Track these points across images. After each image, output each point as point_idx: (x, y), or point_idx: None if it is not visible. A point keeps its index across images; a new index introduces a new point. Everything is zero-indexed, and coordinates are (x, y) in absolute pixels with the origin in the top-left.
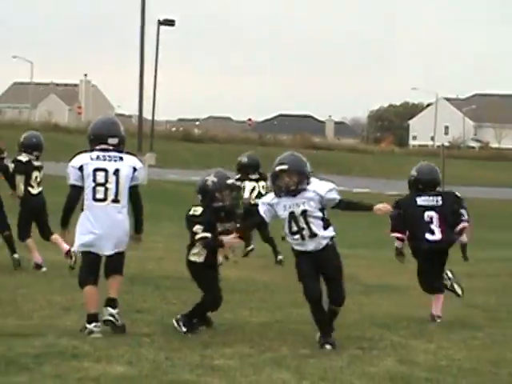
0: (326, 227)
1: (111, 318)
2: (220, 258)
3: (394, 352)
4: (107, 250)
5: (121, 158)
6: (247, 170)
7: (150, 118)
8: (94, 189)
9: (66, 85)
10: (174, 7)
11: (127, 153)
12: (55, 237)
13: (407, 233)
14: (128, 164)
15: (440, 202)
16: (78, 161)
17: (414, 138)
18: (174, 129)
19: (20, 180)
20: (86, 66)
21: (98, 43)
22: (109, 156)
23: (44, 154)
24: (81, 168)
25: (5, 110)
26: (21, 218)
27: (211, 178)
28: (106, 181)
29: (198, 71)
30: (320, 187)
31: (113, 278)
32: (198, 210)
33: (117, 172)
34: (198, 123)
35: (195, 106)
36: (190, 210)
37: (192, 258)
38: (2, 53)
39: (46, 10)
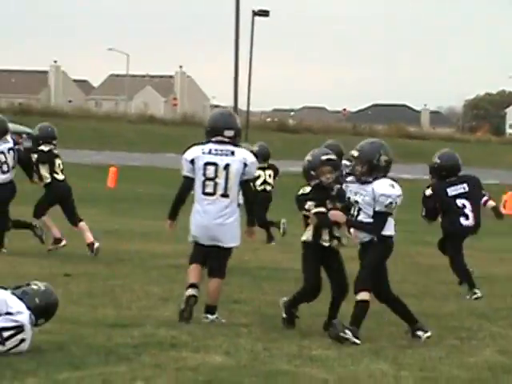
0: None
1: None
2: (326, 237)
3: (493, 342)
4: (208, 241)
5: (232, 153)
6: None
7: (244, 108)
8: (203, 183)
9: (161, 76)
10: None
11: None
12: (83, 224)
13: (440, 219)
14: (239, 159)
15: (467, 188)
16: (190, 154)
17: (511, 126)
18: (268, 119)
19: (45, 169)
20: (181, 57)
21: (192, 35)
22: (221, 150)
23: (141, 146)
24: (192, 161)
25: (101, 102)
26: (44, 200)
27: (307, 158)
28: (216, 175)
29: (292, 61)
30: (379, 188)
31: (212, 282)
32: (307, 189)
33: (227, 167)
34: (292, 114)
35: (290, 96)
36: (299, 191)
37: (303, 238)
38: (99, 45)
39: (141, 2)
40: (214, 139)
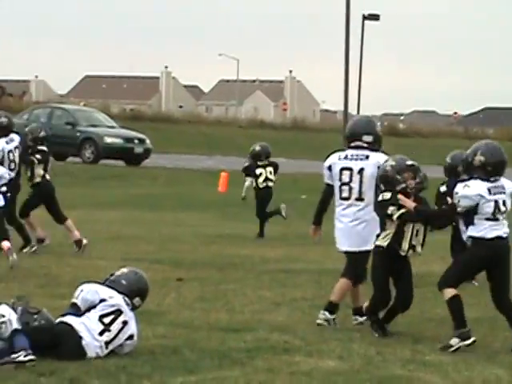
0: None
1: (323, 323)
2: (405, 245)
3: None
4: (343, 246)
5: (367, 157)
6: (259, 158)
7: (354, 113)
8: (340, 188)
9: (271, 81)
10: (378, 2)
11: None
12: (69, 222)
13: None
14: (373, 163)
15: None
16: (328, 161)
17: None
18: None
19: (40, 168)
20: (290, 62)
21: (302, 39)
22: (356, 155)
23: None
24: (330, 168)
25: (211, 108)
26: (32, 199)
27: (389, 163)
28: (351, 180)
29: (401, 65)
30: (457, 186)
31: (340, 281)
32: (388, 195)
33: (361, 171)
34: (402, 118)
35: (399, 100)
36: (378, 197)
37: (377, 243)
38: (209, 51)
39: (251, 6)
40: (352, 144)
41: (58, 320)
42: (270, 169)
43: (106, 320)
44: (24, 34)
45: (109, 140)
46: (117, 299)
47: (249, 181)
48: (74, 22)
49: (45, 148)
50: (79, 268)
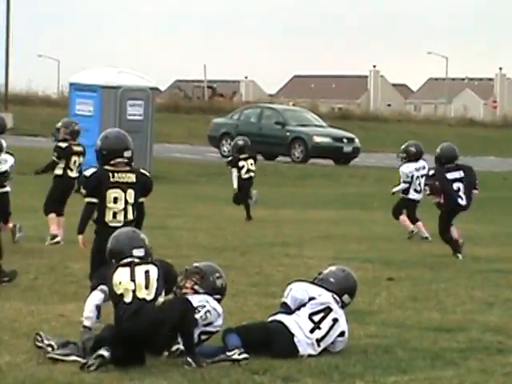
0: None
1: None
2: None
3: None
4: None
5: None
6: (242, 151)
7: None
8: None
9: (480, 79)
10: None
11: None
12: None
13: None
14: None
15: (462, 174)
16: None
17: None
18: None
19: (62, 162)
20: (500, 59)
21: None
22: None
23: (461, 149)
24: None
25: (420, 106)
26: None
27: None
28: None
29: None
30: None
31: None
32: None
33: None
34: None
35: None
36: None
37: None
38: (418, 49)
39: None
40: None
41: (270, 318)
42: (250, 161)
43: (316, 318)
44: (233, 35)
45: (318, 139)
46: (326, 297)
47: (235, 171)
48: (279, 23)
49: (62, 144)
50: (290, 267)
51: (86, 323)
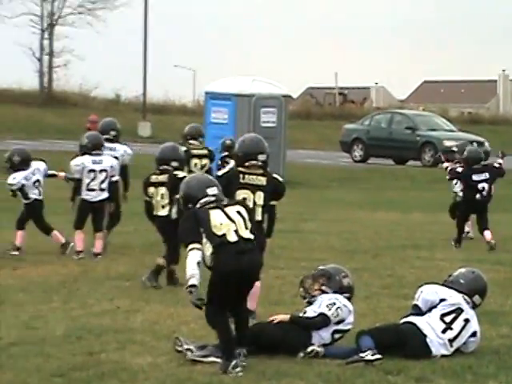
0: None
1: None
2: None
3: None
4: None
5: None
6: (231, 149)
7: None
8: None
9: None
10: None
11: None
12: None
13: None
14: None
15: (488, 176)
16: None
17: None
18: None
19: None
20: None
21: None
22: None
23: None
24: None
25: None
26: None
27: None
28: None
29: None
30: None
31: None
32: None
33: None
34: None
35: None
36: None
37: None
38: None
39: None
40: None
41: (402, 320)
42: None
43: (447, 319)
44: (363, 44)
45: (448, 143)
46: (456, 298)
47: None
48: (408, 32)
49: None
50: (422, 269)
51: (192, 282)
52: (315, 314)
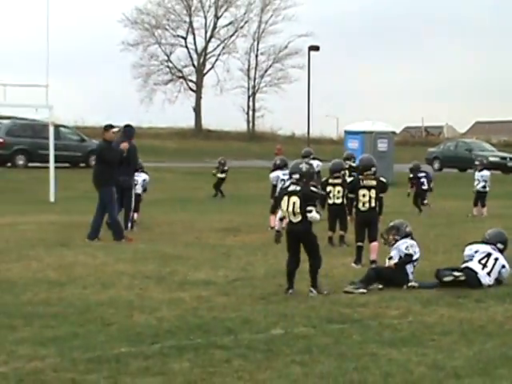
0: None
1: None
2: None
3: None
4: None
5: None
6: (351, 159)
7: None
8: None
9: None
10: None
11: None
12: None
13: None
14: None
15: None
16: None
17: None
18: None
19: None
20: None
21: None
22: None
23: None
24: None
25: None
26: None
27: None
28: None
29: None
30: None
31: None
32: None
33: None
34: None
35: None
36: None
37: None
38: None
39: None
40: None
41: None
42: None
43: (483, 261)
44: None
45: (492, 159)
46: (485, 247)
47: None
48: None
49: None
50: None
51: (277, 228)
52: (402, 255)
